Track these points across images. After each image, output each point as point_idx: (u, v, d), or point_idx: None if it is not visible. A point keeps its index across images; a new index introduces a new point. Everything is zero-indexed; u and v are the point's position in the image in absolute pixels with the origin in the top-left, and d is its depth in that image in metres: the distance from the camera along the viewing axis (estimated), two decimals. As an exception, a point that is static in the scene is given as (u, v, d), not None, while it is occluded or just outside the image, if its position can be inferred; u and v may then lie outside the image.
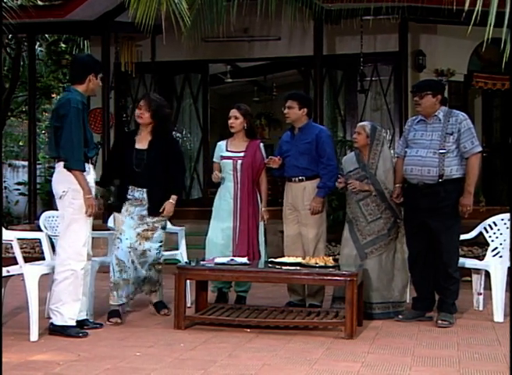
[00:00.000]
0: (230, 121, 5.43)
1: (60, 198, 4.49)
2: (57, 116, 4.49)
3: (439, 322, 4.81)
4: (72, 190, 4.45)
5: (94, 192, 4.58)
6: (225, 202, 5.39)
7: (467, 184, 4.83)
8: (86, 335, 4.45)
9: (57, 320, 4.46)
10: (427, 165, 4.81)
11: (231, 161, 5.40)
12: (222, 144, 5.55)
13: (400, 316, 4.97)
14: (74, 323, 4.48)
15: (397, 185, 5.10)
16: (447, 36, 9.34)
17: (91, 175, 4.58)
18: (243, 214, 5.34)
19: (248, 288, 5.52)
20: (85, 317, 4.67)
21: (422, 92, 4.88)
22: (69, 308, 4.45)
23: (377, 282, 5.05)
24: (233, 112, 5.43)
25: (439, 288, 4.96)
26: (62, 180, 4.47)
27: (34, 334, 4.36)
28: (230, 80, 12.31)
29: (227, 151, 5.46)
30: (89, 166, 4.55)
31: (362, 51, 9.19)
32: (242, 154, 5.41)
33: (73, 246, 4.46)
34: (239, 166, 5.38)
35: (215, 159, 5.59)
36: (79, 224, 4.46)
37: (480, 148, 4.86)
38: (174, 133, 10.60)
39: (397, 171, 5.12)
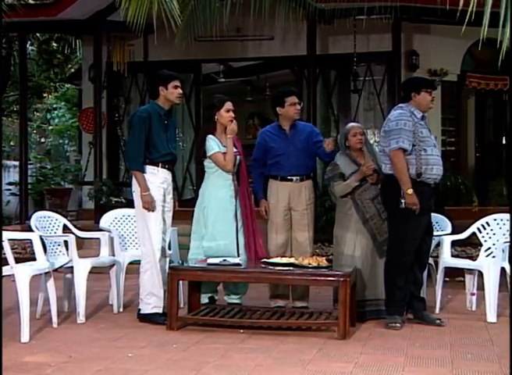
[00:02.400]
0: (231, 114, 5.16)
1: (134, 197, 5.02)
2: (129, 125, 5.28)
3: (438, 322, 4.82)
4: (139, 191, 4.92)
5: (161, 192, 4.96)
6: (225, 203, 5.12)
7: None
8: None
9: (144, 309, 4.92)
10: (440, 164, 4.75)
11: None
12: (215, 138, 5.15)
13: (398, 325, 4.73)
14: (160, 311, 4.87)
15: (411, 191, 4.58)
16: (440, 36, 9.37)
17: (159, 176, 4.96)
18: (245, 212, 5.18)
19: (244, 293, 5.34)
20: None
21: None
22: (154, 298, 4.89)
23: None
24: (231, 105, 5.20)
25: (419, 289, 4.94)
26: (134, 181, 4.99)
27: (25, 335, 4.34)
28: (223, 80, 12.29)
29: (224, 146, 5.13)
30: (157, 169, 4.96)
31: (355, 51, 9.20)
32: (235, 149, 5.19)
33: (149, 241, 4.90)
34: (237, 162, 5.20)
35: (216, 150, 5.09)
36: (149, 221, 4.89)
37: None
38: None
39: (404, 168, 4.61)
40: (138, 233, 5.09)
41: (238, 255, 5.09)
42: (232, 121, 5.16)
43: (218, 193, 5.16)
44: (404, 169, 4.62)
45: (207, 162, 5.19)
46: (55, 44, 13.41)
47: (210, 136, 5.17)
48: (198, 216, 5.24)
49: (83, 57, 11.38)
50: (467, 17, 4.06)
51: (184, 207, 5.97)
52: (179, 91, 5.00)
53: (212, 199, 5.17)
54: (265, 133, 5.42)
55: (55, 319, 4.77)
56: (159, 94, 5.00)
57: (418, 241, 4.75)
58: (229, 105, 5.20)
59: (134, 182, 4.99)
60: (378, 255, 5.03)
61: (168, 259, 5.14)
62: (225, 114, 5.17)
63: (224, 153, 5.11)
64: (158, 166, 4.96)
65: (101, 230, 5.76)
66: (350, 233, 5.08)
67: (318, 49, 9.32)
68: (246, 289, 5.35)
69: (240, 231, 5.18)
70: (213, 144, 5.13)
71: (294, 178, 5.26)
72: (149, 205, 4.88)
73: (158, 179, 4.95)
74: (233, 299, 5.29)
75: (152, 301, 4.90)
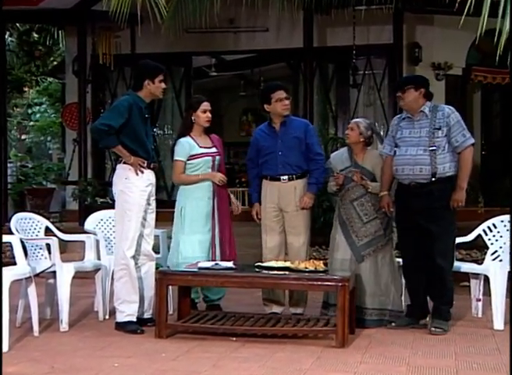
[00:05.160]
0: (207, 115, 5.33)
1: (115, 198, 5.01)
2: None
3: (433, 329, 4.83)
4: (120, 191, 4.92)
5: (145, 197, 4.92)
6: (203, 204, 5.31)
7: (460, 180, 4.86)
8: (142, 332, 4.78)
9: (118, 318, 4.90)
10: (418, 163, 4.83)
11: (210, 158, 5.34)
12: (189, 141, 5.35)
13: (393, 324, 4.97)
14: (134, 319, 4.86)
15: (385, 193, 5.02)
16: (444, 27, 9.39)
17: (144, 179, 4.92)
18: (222, 214, 5.34)
19: (223, 296, 5.48)
20: (150, 316, 5.04)
21: (404, 87, 4.93)
22: (128, 306, 4.86)
23: (373, 286, 5.05)
24: (208, 105, 5.35)
25: (433, 295, 4.98)
26: (116, 181, 4.99)
27: (5, 345, 4.32)
28: (215, 74, 12.31)
29: (201, 147, 5.35)
30: (143, 170, 4.92)
31: (355, 43, 9.22)
32: (214, 149, 5.40)
33: (123, 245, 4.86)
34: (217, 162, 5.38)
35: (181, 158, 5.33)
36: (127, 225, 4.86)
37: (472, 140, 4.90)
38: (155, 130, 10.63)
39: (385, 173, 5.05)
40: (115, 236, 5.09)
41: (214, 257, 5.25)
42: (209, 122, 5.33)
43: (195, 193, 5.34)
44: (384, 173, 5.07)
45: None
46: (36, 35, 13.39)
47: (183, 139, 5.38)
48: (176, 216, 5.41)
49: (66, 49, 11.38)
50: (467, 7, 4.06)
51: (174, 208, 5.95)
52: (163, 85, 5.03)
53: (189, 200, 5.35)
54: (257, 132, 5.48)
55: (36, 327, 4.75)
56: (143, 87, 4.98)
57: (408, 240, 4.98)
58: (205, 105, 5.36)
59: (115, 181, 4.99)
60: (357, 260, 5.07)
61: (154, 263, 5.14)
62: (202, 115, 5.35)
63: (185, 162, 5.32)
64: (144, 168, 4.94)
65: (85, 232, 5.75)
66: (335, 235, 5.22)
67: (315, 41, 9.34)
68: (223, 293, 5.49)
69: (216, 231, 5.33)
70: (179, 150, 5.35)
71: (282, 178, 5.27)
72: (137, 166, 4.87)
73: (143, 182, 4.94)
74: (213, 301, 5.43)
75: (126, 309, 4.88)
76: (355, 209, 5.13)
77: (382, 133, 9.56)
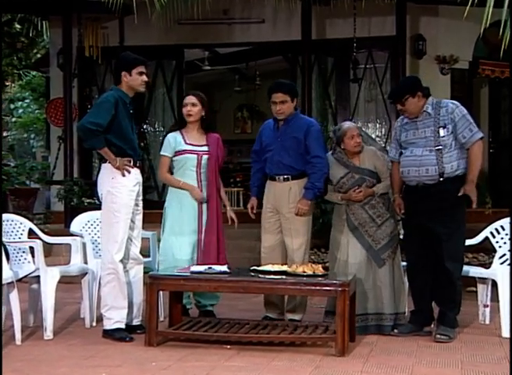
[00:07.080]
0: (187, 109, 5.37)
1: (101, 199, 5.00)
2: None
3: (438, 336, 4.85)
4: (107, 192, 4.90)
5: (133, 197, 4.93)
6: (187, 205, 5.34)
7: (469, 173, 4.87)
8: (131, 340, 4.80)
9: (106, 325, 4.90)
10: (424, 164, 4.86)
11: (195, 156, 5.36)
12: (176, 136, 5.42)
13: (396, 330, 5.00)
14: (122, 326, 4.87)
15: (396, 195, 5.12)
16: (450, 18, 9.40)
17: (131, 179, 4.93)
18: (211, 217, 5.35)
19: (217, 301, 5.51)
20: (140, 323, 5.07)
21: (402, 99, 4.93)
22: (116, 312, 4.87)
23: (391, 291, 5.08)
24: (190, 99, 5.40)
25: (439, 300, 5.00)
26: (102, 182, 4.97)
27: (-14, 353, 4.32)
28: (208, 68, 12.31)
29: (187, 144, 5.38)
30: (130, 170, 4.93)
31: (355, 35, 9.23)
32: (206, 148, 5.38)
33: (111, 249, 4.85)
34: (204, 162, 5.36)
35: (166, 153, 5.41)
36: (115, 227, 4.85)
37: (481, 134, 4.91)
38: (146, 126, 10.63)
39: (394, 178, 5.14)
40: (102, 239, 5.07)
41: (199, 261, 5.25)
42: (189, 116, 5.38)
43: (180, 194, 5.38)
44: (393, 179, 5.16)
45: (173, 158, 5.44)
46: (18, 26, 13.35)
47: (170, 134, 5.48)
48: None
49: (50, 41, 11.36)
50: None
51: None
52: (144, 77, 5.01)
53: (174, 198, 5.42)
54: (265, 125, 5.53)
55: (18, 335, 4.75)
56: (121, 81, 4.98)
57: (414, 242, 5.01)
58: (186, 99, 5.46)
59: (101, 182, 4.98)
60: (377, 264, 5.09)
61: (142, 267, 5.14)
62: (183, 109, 5.45)
63: (170, 158, 5.39)
64: (131, 167, 4.94)
65: (71, 234, 5.75)
66: (343, 238, 5.18)
67: (314, 34, 9.34)
68: (217, 300, 5.51)
69: (203, 235, 5.35)
70: (166, 145, 5.43)
71: (277, 177, 5.29)
72: (123, 168, 4.87)
73: (131, 181, 4.94)
74: (206, 307, 5.44)
75: (114, 315, 4.88)
76: (367, 213, 5.13)
77: (383, 131, 9.66)
